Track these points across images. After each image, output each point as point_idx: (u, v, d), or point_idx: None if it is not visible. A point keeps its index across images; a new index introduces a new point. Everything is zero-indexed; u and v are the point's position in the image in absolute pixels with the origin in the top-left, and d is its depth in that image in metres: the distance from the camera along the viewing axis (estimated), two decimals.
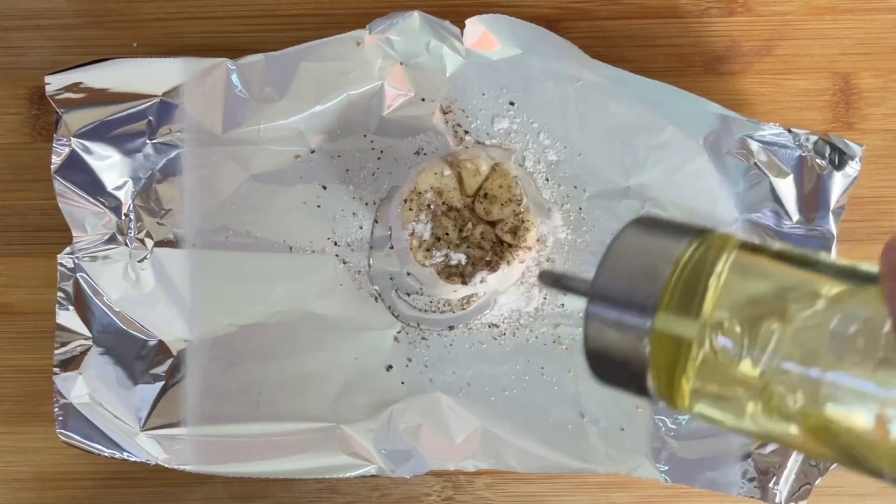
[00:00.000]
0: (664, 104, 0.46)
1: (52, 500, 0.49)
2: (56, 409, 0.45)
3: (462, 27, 0.45)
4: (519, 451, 0.46)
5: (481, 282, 0.45)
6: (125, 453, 0.45)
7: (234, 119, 0.46)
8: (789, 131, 0.45)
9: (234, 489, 0.48)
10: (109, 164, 0.46)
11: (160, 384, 0.46)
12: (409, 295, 0.47)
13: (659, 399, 0.27)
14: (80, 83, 0.45)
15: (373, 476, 0.46)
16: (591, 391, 0.46)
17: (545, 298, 0.47)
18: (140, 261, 0.46)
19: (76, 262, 0.45)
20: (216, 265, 0.46)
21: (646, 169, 0.46)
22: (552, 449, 0.46)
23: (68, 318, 0.45)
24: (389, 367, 0.47)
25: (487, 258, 0.45)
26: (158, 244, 0.46)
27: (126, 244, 0.46)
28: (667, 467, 0.45)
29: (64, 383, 0.45)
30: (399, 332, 0.47)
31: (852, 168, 0.45)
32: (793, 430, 0.25)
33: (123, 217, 0.46)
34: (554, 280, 0.31)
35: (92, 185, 0.45)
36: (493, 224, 0.46)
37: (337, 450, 0.45)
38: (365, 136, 0.47)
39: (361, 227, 0.47)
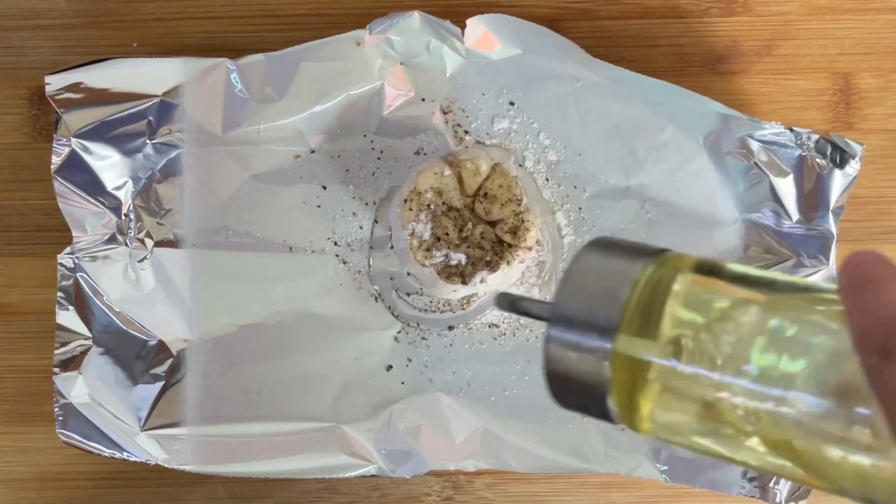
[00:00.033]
0: (664, 104, 0.46)
1: (52, 500, 0.49)
2: (56, 409, 0.45)
3: (462, 27, 0.45)
4: (519, 451, 0.46)
5: (481, 282, 0.45)
6: (125, 453, 0.45)
7: (234, 119, 0.46)
8: (791, 130, 0.45)
9: (234, 489, 0.48)
10: (109, 164, 0.46)
11: (160, 384, 0.46)
12: (409, 295, 0.47)
13: (620, 421, 0.27)
14: (80, 83, 0.45)
15: (373, 476, 0.46)
16: None
17: (546, 298, 0.47)
18: (140, 261, 0.46)
19: (76, 262, 0.45)
20: (216, 265, 0.46)
21: (646, 169, 0.46)
22: (552, 449, 0.46)
23: (68, 318, 0.45)
24: (389, 367, 0.47)
25: (487, 258, 0.45)
26: (158, 244, 0.46)
27: (126, 244, 0.46)
28: (667, 467, 0.45)
29: (64, 383, 0.45)
30: (399, 332, 0.47)
31: (852, 167, 0.45)
32: (753, 450, 0.25)
33: (123, 217, 0.46)
34: (510, 303, 0.31)
35: (92, 185, 0.45)
36: (493, 224, 0.46)
37: (337, 450, 0.45)
38: (365, 136, 0.47)
39: (361, 227, 0.47)
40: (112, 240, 0.46)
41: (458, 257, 0.45)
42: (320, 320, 0.47)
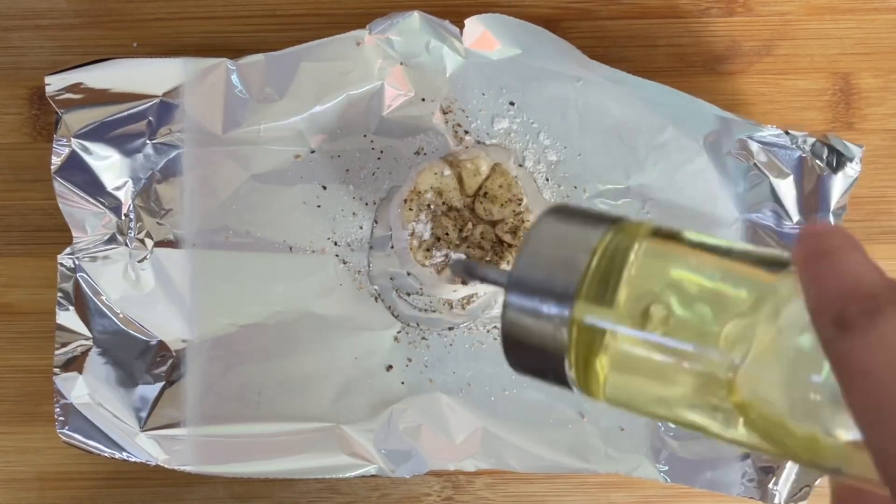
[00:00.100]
0: (664, 104, 0.46)
1: (52, 500, 0.49)
2: (56, 409, 0.45)
3: (462, 27, 0.45)
4: (519, 451, 0.46)
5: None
6: (125, 453, 0.45)
7: (234, 119, 0.46)
8: (787, 133, 0.45)
9: (234, 489, 0.48)
10: (109, 165, 0.46)
11: (160, 384, 0.46)
12: (409, 295, 0.47)
13: (576, 387, 0.27)
14: (81, 83, 0.45)
15: (373, 476, 0.46)
16: None
17: None
18: (140, 261, 0.46)
19: (76, 262, 0.45)
20: (216, 265, 0.46)
21: (646, 169, 0.46)
22: (552, 449, 0.46)
23: (68, 318, 0.45)
24: (389, 367, 0.47)
25: (487, 258, 0.45)
26: (158, 244, 0.46)
27: (126, 244, 0.46)
28: (666, 467, 0.46)
29: (64, 383, 0.45)
30: (399, 332, 0.47)
31: (852, 169, 0.45)
32: (707, 417, 0.25)
33: (123, 217, 0.46)
34: (466, 269, 0.31)
35: (92, 185, 0.45)
36: (493, 224, 0.46)
37: (337, 450, 0.45)
38: (365, 136, 0.47)
39: (361, 227, 0.47)
40: (112, 240, 0.46)
41: (458, 257, 0.45)
42: (320, 320, 0.47)
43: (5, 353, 0.49)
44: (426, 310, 0.47)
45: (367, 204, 0.47)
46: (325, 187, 0.47)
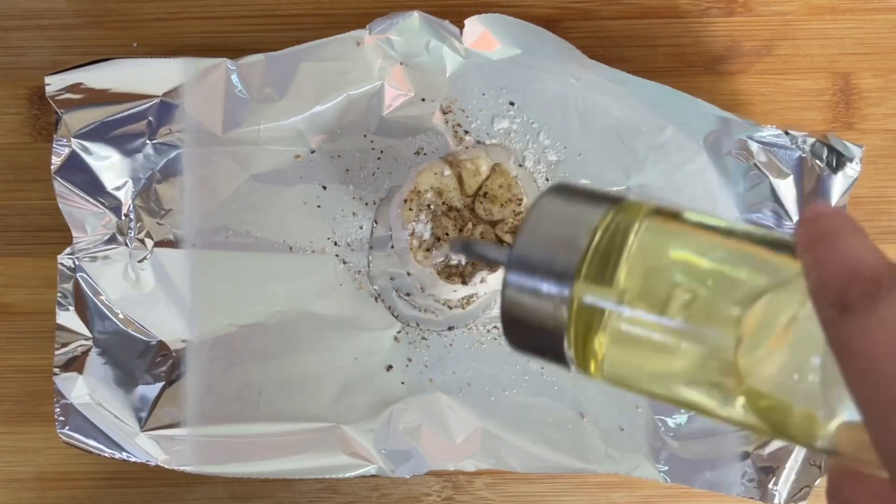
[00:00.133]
0: (664, 104, 0.46)
1: (52, 500, 0.49)
2: (56, 409, 0.45)
3: (462, 27, 0.45)
4: (519, 451, 0.46)
5: (481, 282, 0.45)
6: (125, 453, 0.45)
7: (234, 119, 0.46)
8: (787, 133, 0.46)
9: (234, 489, 0.48)
10: (109, 165, 0.46)
11: (160, 384, 0.46)
12: (409, 295, 0.47)
13: (574, 365, 0.27)
14: (81, 83, 0.45)
15: (373, 476, 0.46)
16: (591, 391, 0.46)
17: None
18: (140, 261, 0.46)
19: (76, 262, 0.45)
20: (216, 265, 0.46)
21: (646, 169, 0.46)
22: (552, 449, 0.46)
23: (68, 318, 0.45)
24: (389, 367, 0.47)
25: None
26: (158, 244, 0.46)
27: (126, 244, 0.46)
28: (666, 467, 0.46)
29: (64, 383, 0.45)
30: (399, 332, 0.47)
31: (852, 169, 0.45)
32: (702, 396, 0.25)
33: (123, 217, 0.46)
34: (464, 246, 0.31)
35: (92, 185, 0.45)
36: (493, 224, 0.46)
37: (337, 450, 0.45)
38: (365, 136, 0.47)
39: (361, 227, 0.47)
40: (112, 240, 0.46)
41: (458, 257, 0.45)
42: (320, 320, 0.47)
43: (5, 353, 0.49)
44: (426, 310, 0.47)
45: (367, 204, 0.47)
46: (325, 187, 0.47)
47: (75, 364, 0.45)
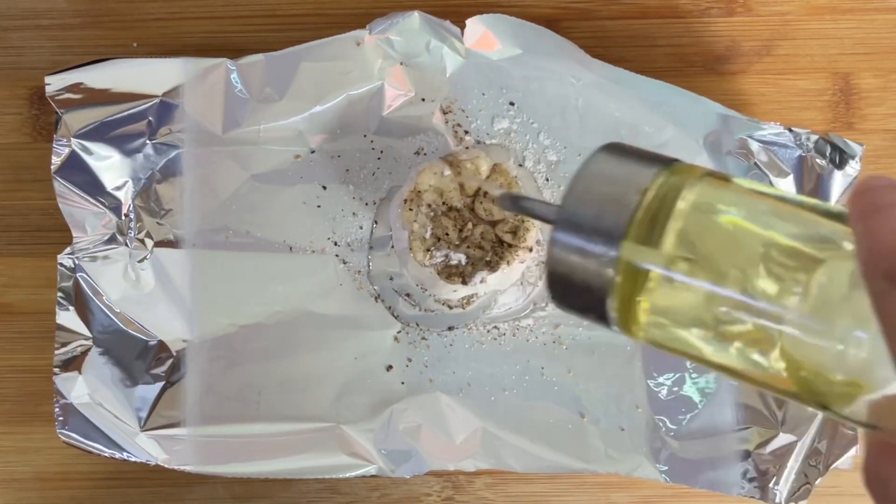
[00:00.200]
0: (664, 104, 0.46)
1: (52, 500, 0.49)
2: (56, 409, 0.45)
3: (462, 27, 0.45)
4: (519, 451, 0.46)
5: (481, 282, 0.45)
6: (125, 453, 0.45)
7: (234, 119, 0.46)
8: (790, 130, 0.46)
9: (234, 489, 0.48)
10: (109, 165, 0.46)
11: (160, 384, 0.46)
12: (408, 295, 0.47)
13: (616, 326, 0.27)
14: (81, 83, 0.45)
15: (373, 476, 0.46)
16: (591, 391, 0.46)
17: (547, 300, 0.47)
18: (140, 261, 0.46)
19: (76, 262, 0.45)
20: (216, 265, 0.46)
21: None
22: (552, 449, 0.46)
23: (68, 318, 0.45)
24: (389, 367, 0.47)
25: (487, 258, 0.45)
26: (158, 244, 0.46)
27: (126, 244, 0.46)
28: (667, 467, 0.45)
29: (64, 383, 0.45)
30: (399, 332, 0.47)
31: (852, 168, 0.45)
32: (743, 359, 0.25)
33: (123, 217, 0.46)
34: (514, 202, 0.31)
35: (92, 185, 0.45)
36: (493, 224, 0.46)
37: (337, 450, 0.45)
38: (365, 136, 0.47)
39: (361, 227, 0.47)
40: (112, 240, 0.46)
41: (458, 257, 0.45)
42: (320, 320, 0.47)
43: (5, 353, 0.49)
44: (426, 310, 0.47)
45: (367, 204, 0.47)
46: (325, 187, 0.47)
47: (75, 364, 0.45)
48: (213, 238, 0.46)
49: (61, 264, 0.45)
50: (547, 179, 0.47)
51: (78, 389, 0.45)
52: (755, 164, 0.46)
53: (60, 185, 0.45)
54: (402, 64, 0.46)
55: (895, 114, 0.49)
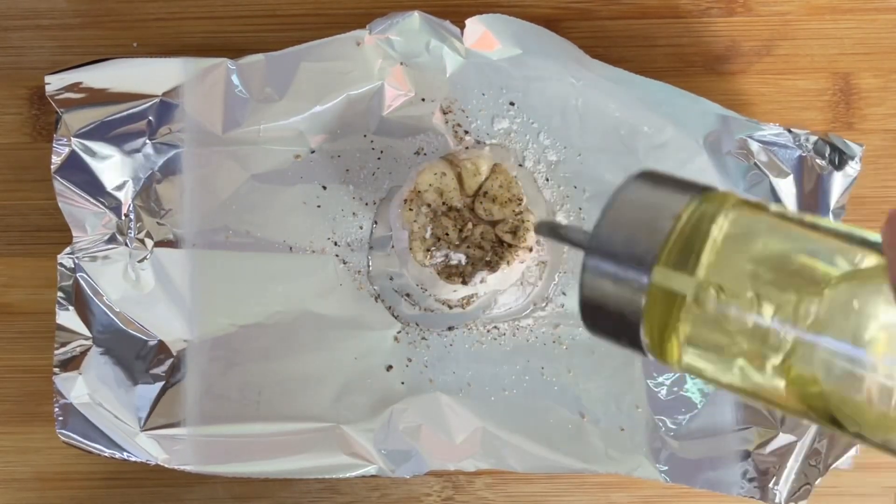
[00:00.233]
0: (664, 104, 0.46)
1: (52, 500, 0.49)
2: (56, 409, 0.45)
3: (462, 27, 0.45)
4: (519, 451, 0.46)
5: (481, 282, 0.45)
6: (125, 453, 0.45)
7: (234, 119, 0.46)
8: (789, 131, 0.46)
9: (234, 489, 0.48)
10: (109, 164, 0.46)
11: (160, 384, 0.46)
12: (408, 295, 0.47)
13: (650, 352, 0.27)
14: (81, 83, 0.45)
15: (373, 476, 0.46)
16: (591, 391, 0.46)
17: (546, 300, 0.47)
18: (140, 261, 0.46)
19: (76, 262, 0.45)
20: (216, 265, 0.46)
21: None
22: (552, 449, 0.46)
23: (68, 318, 0.45)
24: (389, 367, 0.47)
25: (487, 258, 0.45)
26: (158, 244, 0.46)
27: (126, 244, 0.46)
28: (667, 467, 0.45)
29: (64, 383, 0.45)
30: (399, 332, 0.47)
31: (852, 168, 0.45)
32: (779, 389, 0.25)
33: (123, 217, 0.46)
34: (551, 230, 0.31)
35: (92, 185, 0.45)
36: (493, 224, 0.46)
37: (337, 450, 0.45)
38: (365, 136, 0.47)
39: (361, 227, 0.47)
40: (112, 240, 0.46)
41: (458, 257, 0.45)
42: (320, 320, 0.47)
43: (5, 353, 0.49)
44: (426, 310, 0.47)
45: (367, 204, 0.47)
46: (325, 187, 0.47)
47: (75, 364, 0.45)
48: (213, 238, 0.46)
49: (61, 264, 0.45)
50: (547, 179, 0.47)
51: (78, 389, 0.45)
52: (755, 164, 0.46)
53: (60, 185, 0.45)
54: (402, 64, 0.46)
55: (895, 114, 0.49)
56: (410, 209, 0.45)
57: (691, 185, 0.27)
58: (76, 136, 0.45)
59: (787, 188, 0.46)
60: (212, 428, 0.46)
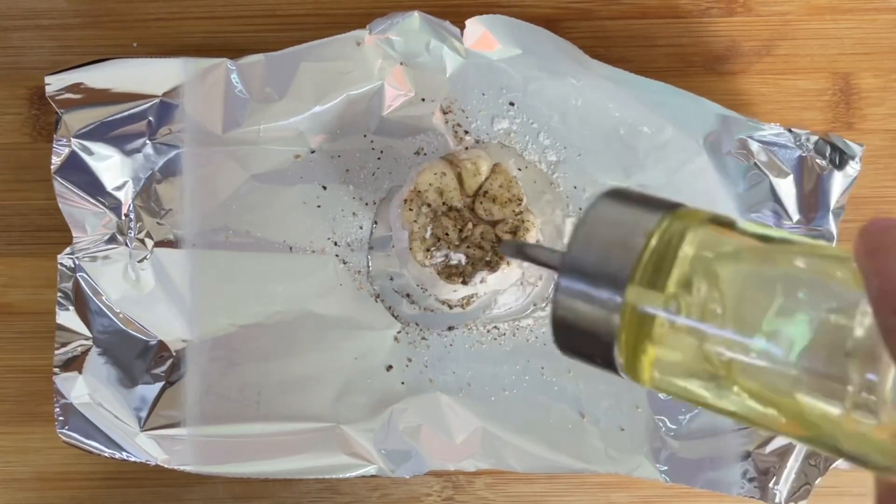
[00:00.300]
0: (664, 104, 0.46)
1: (52, 500, 0.49)
2: (56, 409, 0.45)
3: (462, 27, 0.45)
4: (519, 451, 0.46)
5: (481, 282, 0.45)
6: (125, 453, 0.45)
7: (234, 119, 0.46)
8: (790, 131, 0.46)
9: (234, 489, 0.48)
10: (109, 165, 0.46)
11: (160, 384, 0.46)
12: (409, 295, 0.47)
13: (624, 372, 0.27)
14: (81, 83, 0.45)
15: (373, 476, 0.46)
16: (591, 391, 0.46)
17: (547, 300, 0.47)
18: (140, 261, 0.46)
19: (76, 262, 0.45)
20: (216, 265, 0.46)
21: (646, 169, 0.46)
22: (552, 449, 0.46)
23: (68, 318, 0.45)
24: (389, 367, 0.47)
25: (487, 258, 0.45)
26: (158, 244, 0.46)
27: (126, 244, 0.46)
28: (666, 467, 0.45)
29: (64, 383, 0.45)
30: (399, 332, 0.47)
31: (852, 168, 0.45)
32: (754, 407, 0.25)
33: (123, 217, 0.46)
34: (516, 250, 0.31)
35: (92, 185, 0.45)
36: (493, 224, 0.46)
37: (337, 450, 0.45)
38: (365, 136, 0.47)
39: (361, 227, 0.47)
40: (112, 240, 0.46)
41: (458, 257, 0.45)
42: (320, 320, 0.47)
43: (5, 353, 0.49)
44: (426, 310, 0.47)
45: (367, 204, 0.47)
46: (325, 187, 0.47)
47: (75, 364, 0.45)
48: (213, 238, 0.46)
49: (61, 264, 0.45)
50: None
51: (78, 389, 0.45)
52: (755, 164, 0.46)
53: (60, 185, 0.45)
54: (402, 64, 0.46)
55: (895, 114, 0.49)
56: (410, 209, 0.45)
57: (662, 202, 0.27)
58: (76, 136, 0.45)
59: (787, 188, 0.46)
60: (212, 428, 0.46)
